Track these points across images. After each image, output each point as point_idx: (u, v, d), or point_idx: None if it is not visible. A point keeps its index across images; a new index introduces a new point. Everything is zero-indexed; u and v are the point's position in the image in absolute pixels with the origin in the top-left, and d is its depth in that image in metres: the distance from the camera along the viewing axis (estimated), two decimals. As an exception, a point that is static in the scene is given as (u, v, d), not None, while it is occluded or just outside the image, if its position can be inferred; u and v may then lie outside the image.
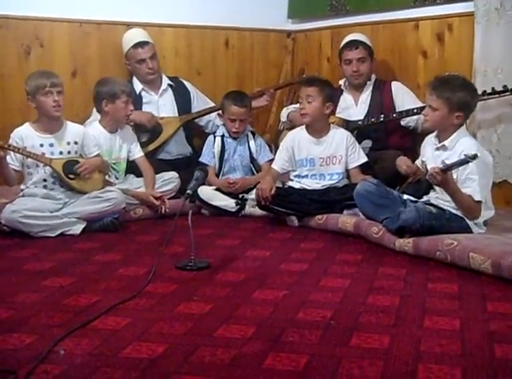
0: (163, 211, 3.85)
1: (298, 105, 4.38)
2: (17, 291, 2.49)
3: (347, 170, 3.87)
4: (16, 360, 1.83)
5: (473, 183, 3.01)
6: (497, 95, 3.61)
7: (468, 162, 2.79)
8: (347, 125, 4.09)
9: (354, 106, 4.27)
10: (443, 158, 3.12)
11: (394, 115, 4.05)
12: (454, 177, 2.99)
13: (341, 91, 4.29)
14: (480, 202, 3.03)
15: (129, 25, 4.49)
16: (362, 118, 4.16)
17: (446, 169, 2.90)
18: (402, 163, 3.55)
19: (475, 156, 2.76)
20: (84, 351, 1.90)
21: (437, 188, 3.16)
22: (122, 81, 4.03)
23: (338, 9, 4.74)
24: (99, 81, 3.93)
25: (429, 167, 3.15)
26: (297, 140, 3.88)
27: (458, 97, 3.11)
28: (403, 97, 4.14)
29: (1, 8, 4.16)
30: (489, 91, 3.61)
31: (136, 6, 4.55)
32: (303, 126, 3.91)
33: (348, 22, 4.68)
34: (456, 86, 3.15)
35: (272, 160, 4.12)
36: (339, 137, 3.86)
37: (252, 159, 4.28)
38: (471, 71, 3.80)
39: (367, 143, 4.12)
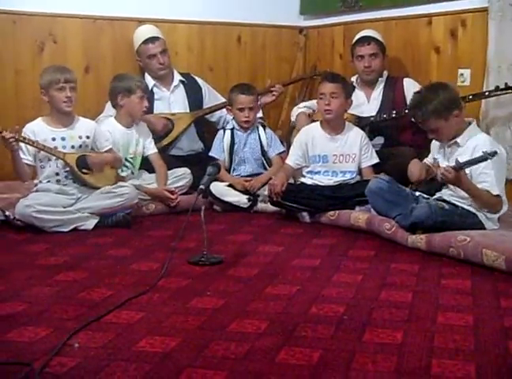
0: (173, 204, 3.87)
1: (309, 103, 4.40)
2: (31, 285, 2.51)
3: (359, 169, 3.87)
4: (31, 353, 1.85)
5: (489, 177, 2.99)
6: (510, 91, 3.59)
7: (487, 159, 2.75)
8: (359, 121, 4.08)
9: (366, 103, 4.26)
10: (456, 155, 3.09)
11: (406, 112, 4.03)
12: (467, 172, 2.96)
13: (353, 87, 4.27)
14: (498, 196, 3.01)
15: (141, 21, 4.50)
16: (374, 114, 4.15)
17: (462, 166, 2.86)
18: (415, 169, 3.34)
19: (494, 153, 2.73)
20: (98, 345, 1.92)
21: (451, 186, 3.13)
22: (138, 78, 4.09)
23: (351, 5, 4.73)
24: (116, 77, 3.99)
25: (441, 165, 3.12)
26: (311, 135, 3.88)
27: (440, 104, 3.08)
28: (414, 94, 4.12)
29: (15, 4, 4.19)
30: (502, 86, 3.59)
31: (149, 2, 4.56)
32: (318, 122, 3.92)
33: (360, 18, 4.68)
34: (428, 102, 3.11)
35: (282, 153, 4.13)
36: (354, 136, 3.86)
37: (263, 152, 4.27)
38: (484, 67, 3.78)
39: (379, 139, 4.12)
